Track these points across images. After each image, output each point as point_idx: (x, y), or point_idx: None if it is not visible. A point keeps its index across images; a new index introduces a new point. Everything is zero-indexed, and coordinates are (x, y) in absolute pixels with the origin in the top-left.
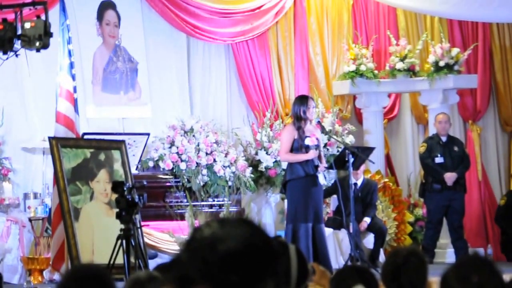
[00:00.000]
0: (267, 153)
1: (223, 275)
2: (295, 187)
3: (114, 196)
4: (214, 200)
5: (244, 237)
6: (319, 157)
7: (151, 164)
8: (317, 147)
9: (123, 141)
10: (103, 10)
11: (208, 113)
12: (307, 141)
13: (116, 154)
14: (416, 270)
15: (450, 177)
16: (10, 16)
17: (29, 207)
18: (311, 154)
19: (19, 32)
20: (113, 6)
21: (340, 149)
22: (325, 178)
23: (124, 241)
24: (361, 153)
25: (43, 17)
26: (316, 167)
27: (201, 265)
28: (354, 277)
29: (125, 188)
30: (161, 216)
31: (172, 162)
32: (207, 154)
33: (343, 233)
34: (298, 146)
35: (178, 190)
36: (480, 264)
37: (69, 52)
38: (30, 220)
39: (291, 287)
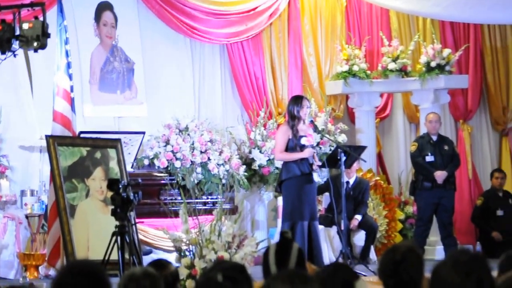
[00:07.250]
0: (260, 151)
1: None
2: (291, 186)
3: (110, 193)
4: (208, 198)
5: None
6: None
7: (146, 162)
8: (312, 146)
9: (119, 140)
10: (100, 11)
11: (203, 112)
12: (303, 141)
13: (112, 152)
14: (414, 267)
15: (440, 175)
16: (9, 17)
17: (25, 204)
18: (307, 152)
19: (17, 32)
20: (110, 8)
21: (332, 148)
22: (319, 175)
23: (119, 238)
24: (353, 151)
25: (41, 18)
26: (311, 165)
27: None
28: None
29: (120, 186)
30: (155, 213)
31: (167, 160)
32: (201, 152)
33: (334, 231)
34: (293, 146)
35: (173, 187)
36: (472, 257)
37: (66, 52)
38: (26, 216)
39: None
